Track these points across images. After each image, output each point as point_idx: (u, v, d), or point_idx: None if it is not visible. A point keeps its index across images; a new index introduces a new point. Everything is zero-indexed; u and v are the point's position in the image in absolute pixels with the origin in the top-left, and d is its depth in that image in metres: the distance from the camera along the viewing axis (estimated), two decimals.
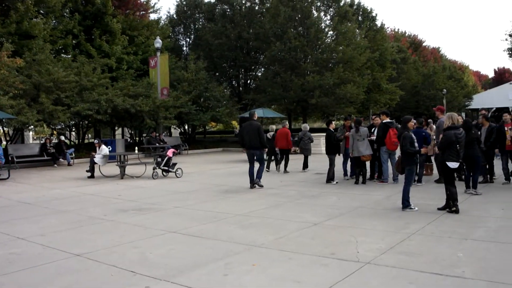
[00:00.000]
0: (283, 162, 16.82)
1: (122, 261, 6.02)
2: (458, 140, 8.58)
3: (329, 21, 34.30)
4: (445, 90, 49.84)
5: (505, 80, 76.09)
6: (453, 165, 8.60)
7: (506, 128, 11.86)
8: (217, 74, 37.85)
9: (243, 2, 37.29)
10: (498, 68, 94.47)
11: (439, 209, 8.74)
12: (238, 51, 36.38)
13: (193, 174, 16.83)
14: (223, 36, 34.86)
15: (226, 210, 9.47)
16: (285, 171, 16.63)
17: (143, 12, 33.59)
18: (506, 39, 31.04)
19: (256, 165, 12.93)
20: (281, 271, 5.55)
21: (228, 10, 37.04)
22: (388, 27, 61.61)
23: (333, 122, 14.47)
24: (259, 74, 38.76)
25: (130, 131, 34.40)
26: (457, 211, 8.49)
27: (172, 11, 43.58)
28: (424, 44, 71.08)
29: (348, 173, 14.12)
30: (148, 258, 6.17)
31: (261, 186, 12.81)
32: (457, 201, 8.62)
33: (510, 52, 30.77)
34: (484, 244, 6.55)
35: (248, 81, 39.83)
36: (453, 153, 8.58)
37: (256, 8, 37.26)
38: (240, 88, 39.18)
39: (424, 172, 13.42)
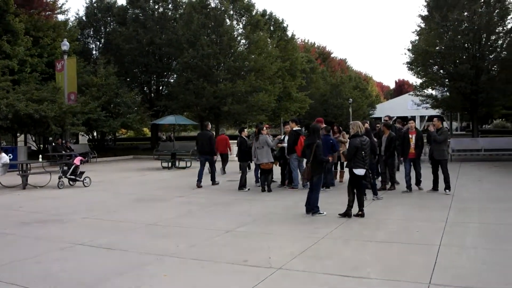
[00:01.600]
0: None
1: (23, 278, 5.66)
2: (363, 147, 8.95)
3: (241, 30, 34.73)
4: (351, 99, 52.38)
5: (404, 91, 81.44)
6: (359, 172, 8.96)
7: (410, 136, 12.12)
8: (128, 79, 36.83)
9: (156, 7, 36.67)
10: (398, 80, 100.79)
11: (340, 215, 9.00)
12: (150, 57, 35.67)
13: (102, 182, 16.23)
14: (135, 41, 34.02)
15: (137, 220, 9.24)
16: (223, 171, 17.87)
17: (49, 12, 31.81)
18: (405, 53, 33.22)
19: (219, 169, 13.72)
20: (193, 281, 5.52)
21: (140, 14, 36.20)
22: (298, 38, 63.62)
23: (246, 130, 14.63)
24: (172, 80, 38.24)
25: (33, 138, 32.40)
26: (362, 215, 8.93)
27: (82, 13, 41.94)
28: (332, 55, 74.33)
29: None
30: (53, 273, 5.85)
31: (217, 183, 14.62)
32: (363, 206, 9.08)
33: (409, 66, 32.93)
34: (387, 245, 6.97)
35: (160, 88, 39.18)
36: (359, 160, 8.94)
37: (169, 13, 36.79)
38: (152, 95, 38.42)
39: (339, 179, 13.93)
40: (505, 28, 29.28)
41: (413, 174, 12.19)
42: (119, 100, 30.44)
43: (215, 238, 7.60)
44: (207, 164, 14.65)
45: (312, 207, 9.16)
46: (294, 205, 10.39)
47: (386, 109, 61.30)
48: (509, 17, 28.78)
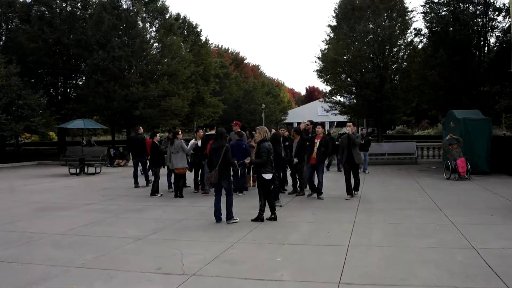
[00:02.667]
0: None
1: None
2: (270, 152, 9.14)
3: (154, 33, 34.10)
4: (263, 104, 53.34)
5: (315, 97, 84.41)
6: (268, 176, 9.09)
7: (316, 141, 12.07)
8: (33, 81, 34.64)
9: (64, 5, 34.91)
10: (309, 87, 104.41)
11: (253, 220, 9.12)
12: (57, 57, 33.83)
13: (3, 190, 15.15)
14: (40, 40, 32.12)
15: (42, 230, 8.71)
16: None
17: None
18: (316, 61, 34.48)
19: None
20: None
21: (47, 12, 34.20)
22: (212, 43, 63.66)
23: (158, 134, 14.34)
24: (80, 83, 36.59)
25: None
26: (275, 219, 9.10)
27: None
28: (245, 61, 75.23)
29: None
30: None
31: (151, 182, 14.02)
32: (275, 210, 9.26)
33: (319, 73, 34.23)
34: (299, 247, 7.17)
35: (68, 90, 37.32)
36: (268, 164, 9.08)
37: (78, 13, 35.17)
38: (59, 97, 36.44)
39: (252, 184, 14.05)
40: (405, 41, 31.40)
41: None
42: (22, 102, 28.60)
43: (126, 246, 7.38)
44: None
45: (227, 212, 9.05)
46: (208, 210, 10.30)
47: (297, 115, 63.31)
48: (408, 31, 30.90)
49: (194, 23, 42.24)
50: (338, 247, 7.05)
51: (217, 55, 57.04)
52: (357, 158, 11.85)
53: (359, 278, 5.64)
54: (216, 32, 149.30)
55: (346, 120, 39.57)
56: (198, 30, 42.20)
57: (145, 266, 6.28)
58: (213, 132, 13.13)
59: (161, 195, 13.09)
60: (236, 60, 68.89)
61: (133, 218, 9.92)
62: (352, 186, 11.94)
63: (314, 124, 13.03)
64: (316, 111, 62.58)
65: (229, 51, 70.01)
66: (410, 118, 50.64)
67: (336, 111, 37.55)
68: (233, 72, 56.49)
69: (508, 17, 19.97)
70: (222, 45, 70.09)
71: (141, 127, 16.81)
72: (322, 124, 15.08)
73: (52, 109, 32.97)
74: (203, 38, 42.42)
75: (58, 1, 34.37)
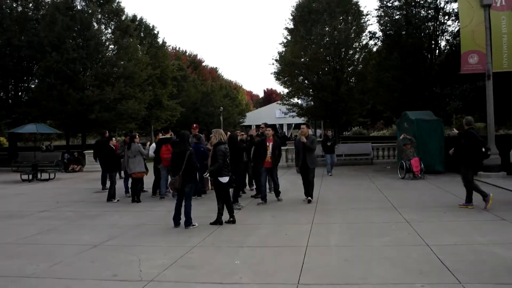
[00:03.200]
0: None
1: None
2: (227, 154, 9.11)
3: (110, 35, 33.41)
4: (222, 107, 53.19)
5: (273, 99, 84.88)
6: (225, 179, 9.03)
7: (267, 144, 11.72)
8: None
9: (14, 5, 33.69)
10: (267, 89, 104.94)
11: (211, 223, 9.05)
12: (7, 59, 32.56)
13: None
14: None
15: None
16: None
17: None
18: (273, 64, 34.70)
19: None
20: None
21: None
22: (169, 45, 63.22)
23: (114, 139, 14.02)
24: (33, 86, 35.40)
25: None
26: (234, 222, 9.08)
27: None
28: (203, 63, 74.77)
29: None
30: None
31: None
32: (233, 212, 9.23)
33: (276, 75, 34.46)
34: (258, 249, 7.17)
35: (20, 93, 36.04)
36: (224, 167, 9.01)
37: (30, 13, 34.03)
38: (10, 101, 35.15)
39: (210, 187, 13.92)
40: (361, 43, 32.07)
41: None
42: None
43: (81, 254, 7.17)
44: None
45: (186, 218, 8.90)
46: (166, 214, 10.19)
47: (255, 118, 63.47)
48: (364, 34, 31.58)
49: (151, 25, 41.67)
50: (296, 248, 7.10)
51: (174, 57, 56.50)
52: (311, 162, 11.40)
53: (318, 278, 5.70)
54: (174, 34, 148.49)
55: (303, 122, 39.98)
56: (155, 32, 41.70)
57: (101, 273, 6.13)
58: (168, 136, 13.04)
59: (117, 200, 12.83)
60: (194, 63, 68.39)
61: (89, 225, 9.67)
62: (308, 190, 11.64)
63: (268, 126, 12.94)
64: (274, 113, 62.98)
65: (187, 53, 69.46)
66: (366, 120, 51.74)
67: (294, 113, 37.91)
68: (191, 75, 56.03)
69: (457, 21, 20.68)
70: (179, 48, 69.67)
71: (107, 131, 15.98)
72: (281, 126, 15.12)
73: (2, 113, 31.76)
74: (160, 40, 41.99)
75: (8, 1, 33.12)
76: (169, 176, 12.72)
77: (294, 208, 10.79)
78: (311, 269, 6.03)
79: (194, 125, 13.77)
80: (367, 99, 32.20)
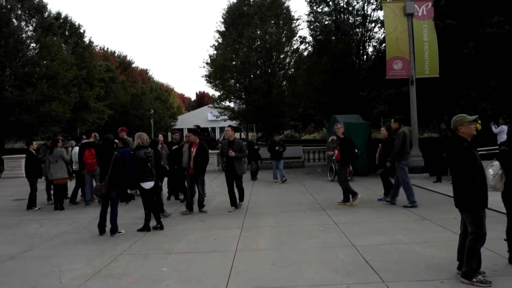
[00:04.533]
0: None
1: None
2: (149, 159, 8.69)
3: (31, 32, 31.75)
4: (152, 110, 52.18)
5: (205, 102, 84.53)
6: (148, 185, 8.69)
7: (192, 149, 10.61)
8: None
9: None
10: (199, 92, 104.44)
11: (138, 230, 8.78)
12: None
13: None
14: None
15: None
16: None
17: None
18: (204, 67, 34.52)
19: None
20: None
21: None
22: (97, 45, 61.06)
23: (34, 142, 13.16)
24: None
25: None
26: (161, 228, 8.81)
27: None
28: (133, 65, 72.97)
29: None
30: None
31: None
32: (160, 218, 8.96)
33: (207, 78, 34.28)
34: (186, 255, 6.99)
35: None
36: (146, 173, 8.65)
37: None
38: None
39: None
40: (292, 48, 32.57)
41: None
42: None
43: None
44: None
45: (112, 225, 8.54)
46: (90, 222, 9.73)
47: (187, 121, 62.79)
48: (295, 38, 32.13)
49: (76, 23, 39.91)
50: (226, 253, 6.99)
51: (102, 58, 54.73)
52: (239, 169, 10.73)
53: (246, 282, 5.63)
54: (102, 34, 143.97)
55: (235, 125, 40.01)
56: (81, 31, 39.97)
57: (19, 286, 5.72)
58: (91, 140, 12.41)
59: (39, 208, 12.11)
60: (123, 64, 66.54)
61: (6, 234, 9.04)
62: (237, 197, 11.04)
63: (201, 129, 12.56)
64: (206, 117, 62.69)
65: (116, 54, 67.42)
66: (298, 123, 52.64)
67: (225, 117, 37.89)
68: (120, 76, 54.46)
69: (383, 28, 21.48)
70: (108, 48, 67.28)
71: (34, 143, 13.49)
72: (214, 129, 14.90)
73: None
74: (86, 39, 40.31)
75: None
76: (94, 182, 12.26)
77: (224, 213, 10.65)
78: (239, 274, 5.95)
79: (122, 128, 13.29)
80: (298, 102, 32.76)
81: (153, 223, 8.87)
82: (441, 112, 16.71)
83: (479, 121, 15.56)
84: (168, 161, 12.19)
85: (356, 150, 11.29)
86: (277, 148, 16.98)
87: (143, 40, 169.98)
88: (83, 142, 12.49)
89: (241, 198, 11.30)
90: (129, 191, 11.97)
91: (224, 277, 5.82)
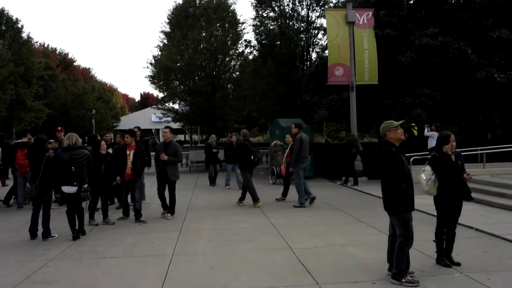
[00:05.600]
0: None
1: None
2: (74, 162, 8.03)
3: None
4: (94, 110, 50.72)
5: (149, 103, 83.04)
6: (68, 189, 8.10)
7: (128, 152, 9.81)
8: None
9: None
10: (144, 93, 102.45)
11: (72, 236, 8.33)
12: None
13: None
14: None
15: None
16: None
17: None
18: (148, 67, 33.96)
19: None
20: None
21: None
22: (36, 41, 58.76)
23: None
24: None
25: None
26: (83, 234, 8.41)
27: None
28: (75, 63, 70.74)
29: None
30: None
31: None
32: (83, 225, 8.52)
33: (151, 79, 33.73)
34: (121, 260, 6.83)
35: None
36: (68, 176, 8.01)
37: None
38: None
39: None
40: (237, 51, 32.66)
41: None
42: None
43: None
44: None
45: (44, 229, 8.15)
46: (21, 226, 9.27)
47: (130, 122, 61.36)
48: (240, 42, 32.23)
49: (14, 17, 38.21)
50: (162, 257, 6.88)
51: (42, 55, 52.75)
52: (172, 174, 10.01)
53: (181, 287, 5.57)
54: (42, 30, 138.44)
55: (179, 127, 39.62)
56: (19, 26, 38.32)
57: None
58: (25, 139, 11.81)
59: None
60: (65, 62, 64.41)
61: None
62: (165, 205, 10.35)
63: (143, 131, 12.08)
64: (150, 118, 61.62)
65: (57, 51, 65.22)
66: (242, 126, 52.75)
67: (169, 118, 37.41)
68: (60, 75, 52.66)
69: (325, 35, 21.94)
70: (48, 45, 65.09)
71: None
72: (157, 131, 14.41)
73: None
74: (25, 35, 38.63)
75: None
76: (27, 184, 11.71)
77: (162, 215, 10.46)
78: (174, 278, 5.87)
79: (59, 128, 12.80)
80: (242, 105, 32.85)
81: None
82: (379, 118, 17.21)
83: (416, 127, 16.16)
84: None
85: (252, 157, 11.44)
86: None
87: (86, 38, 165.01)
88: (15, 142, 11.93)
89: (172, 210, 10.23)
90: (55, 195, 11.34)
91: (159, 281, 5.72)
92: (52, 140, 10.84)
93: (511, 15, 17.65)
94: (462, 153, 14.67)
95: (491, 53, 16.67)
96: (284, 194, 12.48)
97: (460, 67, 16.84)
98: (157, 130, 61.96)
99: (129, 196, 10.27)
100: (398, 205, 5.44)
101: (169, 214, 10.16)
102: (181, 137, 71.93)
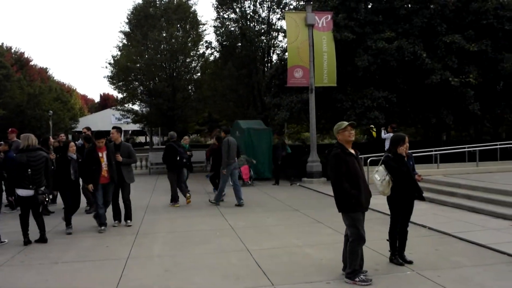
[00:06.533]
0: None
1: None
2: (31, 164, 7.74)
3: None
4: (51, 111, 49.36)
5: (109, 104, 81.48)
6: (23, 192, 7.78)
7: (100, 154, 8.97)
8: None
9: None
10: (103, 94, 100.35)
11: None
12: None
13: None
14: None
15: None
16: None
17: None
18: (107, 67, 33.34)
19: None
20: None
21: None
22: None
23: None
24: None
25: None
26: (45, 240, 8.05)
27: None
28: (31, 63, 68.64)
29: None
30: None
31: None
32: (45, 230, 8.14)
33: (110, 80, 33.15)
34: (75, 264, 6.65)
35: None
36: (24, 179, 7.69)
37: None
38: None
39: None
40: (198, 52, 32.49)
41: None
42: None
43: None
44: None
45: None
46: None
47: (89, 123, 59.95)
48: (201, 43, 32.09)
49: None
50: (117, 260, 6.73)
51: None
52: (127, 176, 9.48)
53: None
54: None
55: (139, 129, 39.05)
56: None
57: None
58: None
59: None
60: (20, 61, 62.40)
61: None
62: (117, 213, 9.59)
63: (97, 132, 11.26)
64: (110, 119, 60.45)
65: (12, 50, 63.17)
66: (203, 128, 52.46)
67: (129, 120, 36.82)
68: (15, 74, 51.03)
69: (286, 37, 22.11)
70: (3, 43, 62.81)
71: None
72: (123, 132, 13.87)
73: None
74: None
75: None
76: None
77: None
78: (128, 282, 5.75)
79: (10, 130, 12.37)
80: (203, 107, 32.71)
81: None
82: (339, 120, 17.42)
83: (374, 129, 16.46)
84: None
85: (178, 158, 11.93)
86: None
87: (44, 37, 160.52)
88: None
89: (128, 215, 9.59)
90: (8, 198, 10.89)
91: (112, 286, 5.60)
92: (1, 142, 10.47)
93: (463, 21, 18.28)
94: (418, 154, 15.20)
95: (445, 57, 17.20)
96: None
97: (416, 71, 17.31)
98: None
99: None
100: (345, 205, 5.53)
101: (129, 221, 9.51)
102: (142, 138, 70.95)
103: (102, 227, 8.94)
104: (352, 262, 5.52)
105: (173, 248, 7.45)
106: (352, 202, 5.44)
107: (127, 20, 32.96)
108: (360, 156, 5.95)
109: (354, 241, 5.51)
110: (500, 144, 16.90)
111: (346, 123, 5.66)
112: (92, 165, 8.75)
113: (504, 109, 19.08)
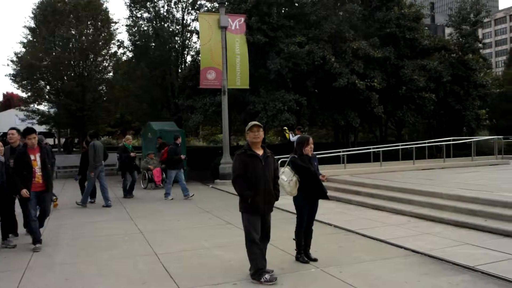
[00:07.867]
0: None
1: None
2: None
3: None
4: None
5: (14, 104, 76.53)
6: None
7: (33, 157, 7.54)
8: None
9: None
10: (7, 92, 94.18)
11: None
12: None
13: None
14: None
15: None
16: None
17: None
18: (9, 65, 31.27)
19: None
20: None
21: None
22: None
23: None
24: None
25: None
26: None
27: None
28: None
29: None
30: None
31: None
32: None
33: (13, 78, 31.06)
34: None
35: None
36: None
37: None
38: None
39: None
40: (110, 51, 31.39)
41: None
42: None
43: None
44: None
45: None
46: None
47: None
48: (112, 42, 31.03)
49: None
50: (13, 272, 6.27)
51: None
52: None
53: None
54: None
55: (46, 130, 37.04)
56: None
57: None
58: None
59: None
60: None
61: None
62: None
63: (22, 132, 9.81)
64: (14, 120, 56.73)
65: None
66: (116, 129, 50.87)
67: (34, 121, 34.70)
68: None
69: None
70: None
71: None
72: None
73: None
74: None
75: None
76: None
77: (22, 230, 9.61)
78: None
79: None
80: (115, 108, 31.68)
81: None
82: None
83: (287, 131, 16.78)
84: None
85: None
86: (180, 156, 13.78)
87: None
88: None
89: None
90: None
91: None
92: None
93: (369, 29, 19.27)
94: (327, 155, 15.78)
95: (352, 62, 18.01)
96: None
97: (325, 74, 17.96)
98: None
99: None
100: (241, 206, 5.68)
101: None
102: (50, 141, 67.40)
103: (37, 245, 7.54)
104: (252, 261, 5.64)
105: (76, 255, 7.11)
106: (246, 203, 5.53)
107: (32, 15, 31.01)
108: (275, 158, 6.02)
109: (246, 241, 5.66)
110: (402, 145, 17.98)
111: (252, 123, 5.72)
112: (22, 170, 7.40)
113: (405, 112, 20.34)
